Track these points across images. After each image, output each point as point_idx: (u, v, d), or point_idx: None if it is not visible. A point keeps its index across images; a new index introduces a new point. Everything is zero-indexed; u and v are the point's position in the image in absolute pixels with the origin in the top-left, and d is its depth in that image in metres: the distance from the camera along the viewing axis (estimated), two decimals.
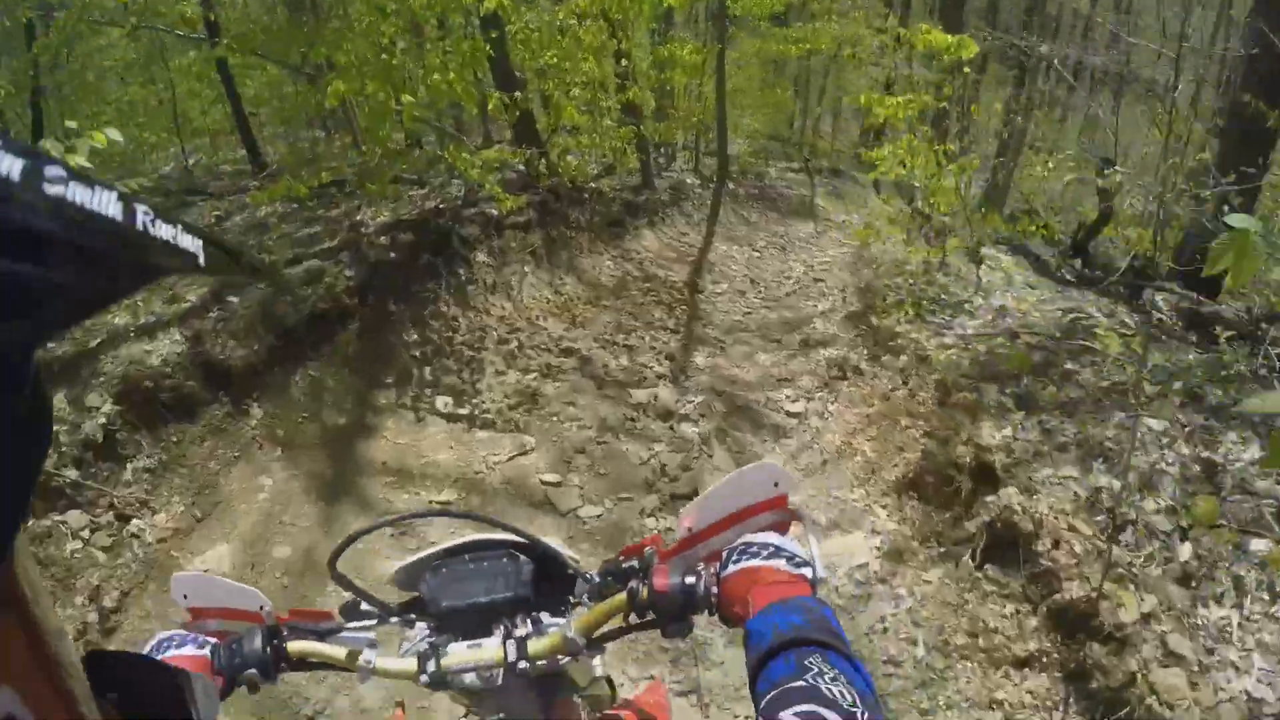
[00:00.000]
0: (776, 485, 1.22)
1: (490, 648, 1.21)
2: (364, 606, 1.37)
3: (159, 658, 1.15)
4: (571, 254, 9.30)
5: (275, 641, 1.24)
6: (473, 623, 1.28)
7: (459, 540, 1.35)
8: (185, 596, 1.32)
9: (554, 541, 1.35)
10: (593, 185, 10.67)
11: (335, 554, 1.25)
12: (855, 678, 0.86)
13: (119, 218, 0.35)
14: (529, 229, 8.61)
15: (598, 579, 1.29)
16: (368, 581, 1.55)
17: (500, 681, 1.21)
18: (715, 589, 1.13)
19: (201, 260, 0.41)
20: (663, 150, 15.03)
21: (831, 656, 0.89)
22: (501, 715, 1.29)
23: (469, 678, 1.20)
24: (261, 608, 1.29)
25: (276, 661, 1.23)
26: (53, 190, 0.31)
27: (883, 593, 4.32)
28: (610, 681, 1.47)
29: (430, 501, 5.12)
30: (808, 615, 0.97)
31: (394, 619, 1.35)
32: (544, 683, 1.32)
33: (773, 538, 1.16)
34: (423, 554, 1.35)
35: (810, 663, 0.87)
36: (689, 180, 13.70)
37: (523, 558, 1.32)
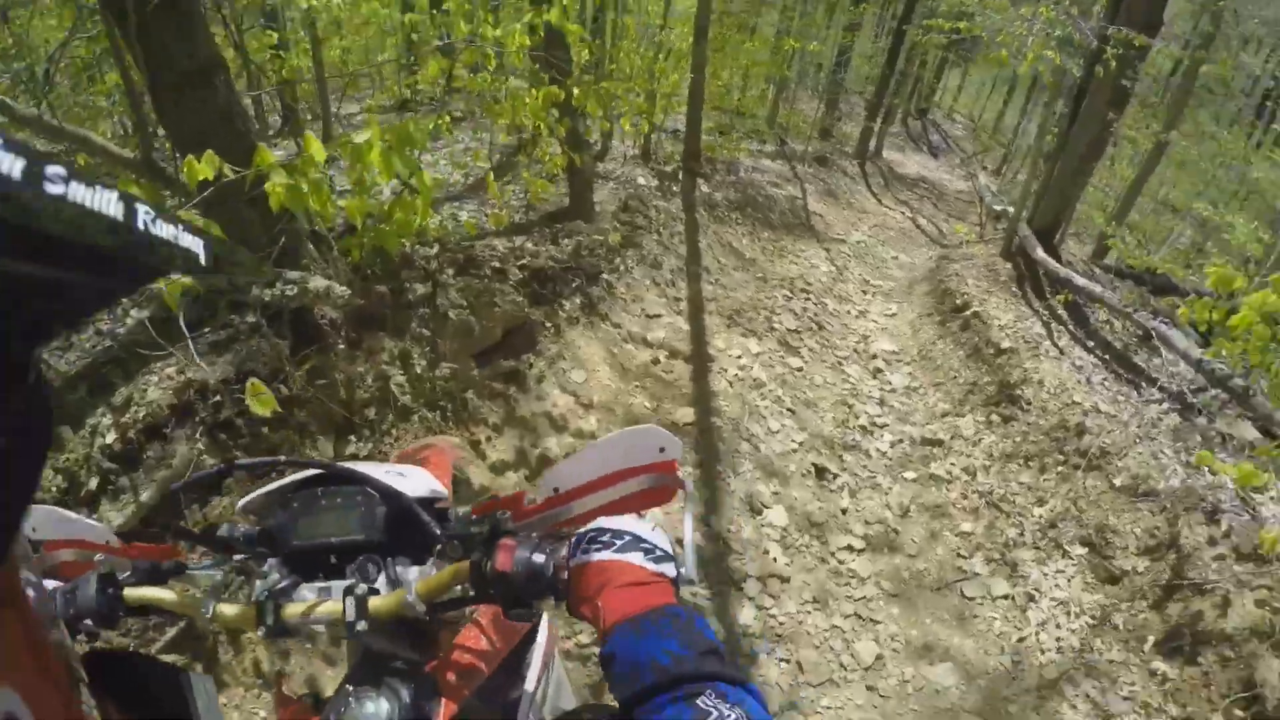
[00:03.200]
0: (663, 450, 1.08)
1: (329, 604, 1.09)
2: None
3: None
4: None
5: (110, 589, 1.14)
6: (323, 564, 1.20)
7: (311, 472, 1.26)
8: (34, 530, 1.26)
9: (415, 488, 1.28)
10: (470, 246, 5.24)
11: (182, 488, 0.79)
12: (753, 707, 0.78)
13: (119, 217, 0.35)
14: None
15: (447, 539, 1.13)
16: None
17: (348, 634, 1.07)
18: (564, 577, 1.00)
19: (203, 259, 0.42)
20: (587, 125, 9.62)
21: (725, 689, 0.80)
22: (366, 656, 1.22)
23: (316, 626, 1.10)
24: (107, 542, 1.25)
25: (114, 609, 1.14)
26: (53, 190, 0.31)
27: None
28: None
29: None
30: (683, 637, 0.86)
31: (239, 557, 1.22)
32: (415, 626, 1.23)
33: (631, 524, 1.03)
34: (274, 485, 1.27)
35: (705, 703, 0.77)
36: (640, 179, 8.23)
37: (377, 497, 1.20)
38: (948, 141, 26.38)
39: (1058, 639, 4.26)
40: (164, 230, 0.38)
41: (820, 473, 5.14)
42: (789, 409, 5.64)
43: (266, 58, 7.64)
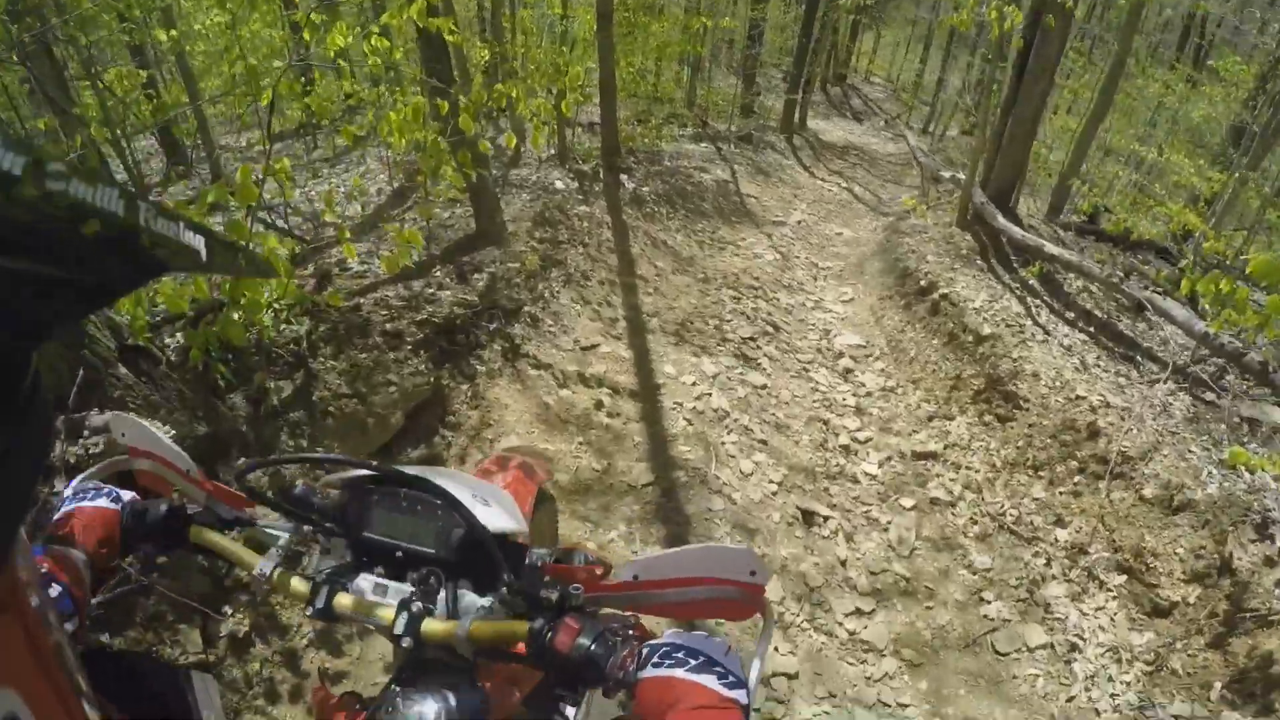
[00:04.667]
0: (753, 574, 1.05)
1: (383, 608, 1.10)
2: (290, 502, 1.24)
3: (73, 506, 1.17)
4: None
5: (178, 521, 1.20)
6: (388, 560, 1.20)
7: (407, 470, 1.21)
8: (123, 435, 1.30)
9: (496, 519, 1.26)
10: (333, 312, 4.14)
11: (242, 474, 1.21)
12: None
13: (121, 214, 0.35)
14: None
15: (514, 592, 1.10)
16: None
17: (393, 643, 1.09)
18: (625, 680, 0.97)
19: (204, 256, 0.42)
20: (498, 124, 8.76)
21: None
22: (415, 658, 1.15)
23: (366, 625, 1.11)
24: (187, 470, 1.26)
25: (176, 541, 1.20)
26: (55, 187, 0.31)
27: None
28: None
29: None
30: None
31: (308, 527, 1.24)
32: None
33: (707, 644, 0.98)
34: (362, 471, 1.24)
35: None
36: (558, 183, 7.38)
37: (458, 517, 1.15)
38: (869, 105, 26.16)
39: (1112, 695, 3.56)
40: (165, 227, 0.38)
41: (808, 518, 4.33)
42: (759, 440, 4.83)
43: (134, 97, 6.72)
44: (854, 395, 5.73)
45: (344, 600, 1.11)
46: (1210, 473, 4.29)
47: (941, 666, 3.65)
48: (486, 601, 1.14)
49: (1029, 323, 6.09)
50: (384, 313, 4.32)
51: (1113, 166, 13.14)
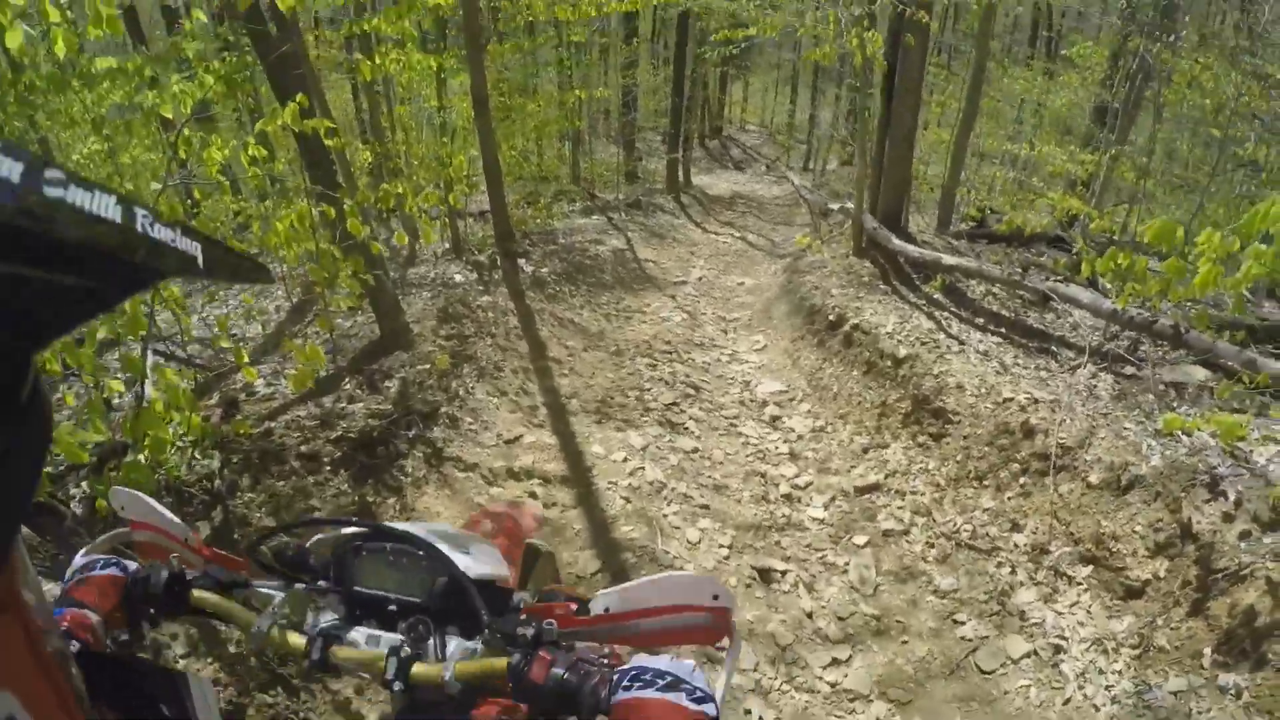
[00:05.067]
0: (716, 599, 1.13)
1: (375, 655, 1.16)
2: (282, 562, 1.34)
3: (81, 577, 1.22)
4: None
5: (178, 586, 1.24)
6: (379, 611, 1.27)
7: (391, 525, 1.32)
8: (123, 508, 1.36)
9: (479, 566, 1.36)
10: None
11: (253, 546, 1.31)
12: None
13: (118, 220, 0.35)
14: None
15: (492, 633, 1.18)
16: None
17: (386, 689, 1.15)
18: (600, 706, 1.02)
19: (201, 262, 0.42)
20: (389, 224, 8.67)
21: None
22: (412, 703, 1.26)
23: (360, 672, 1.17)
24: (185, 538, 1.32)
25: (177, 605, 1.24)
26: (53, 193, 0.31)
27: None
28: None
29: None
30: None
31: (302, 585, 1.30)
32: None
33: (674, 665, 1.02)
34: (351, 530, 1.34)
35: None
36: (457, 276, 7.32)
37: (440, 566, 1.26)
38: (748, 152, 26.76)
39: (1106, 687, 3.51)
40: (162, 233, 0.38)
41: (765, 576, 4.23)
42: (700, 505, 4.73)
43: None
44: (785, 442, 5.69)
45: (339, 652, 1.16)
46: (1150, 445, 4.32)
47: (931, 698, 3.55)
48: (473, 644, 1.20)
49: (942, 336, 6.16)
50: (297, 435, 4.13)
51: (990, 169, 13.65)
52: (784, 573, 4.28)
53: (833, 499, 4.99)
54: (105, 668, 0.89)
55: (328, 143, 4.22)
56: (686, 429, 5.73)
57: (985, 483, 4.78)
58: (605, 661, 1.09)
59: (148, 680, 0.92)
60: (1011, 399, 5.01)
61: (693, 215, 14.31)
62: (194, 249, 0.41)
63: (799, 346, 7.34)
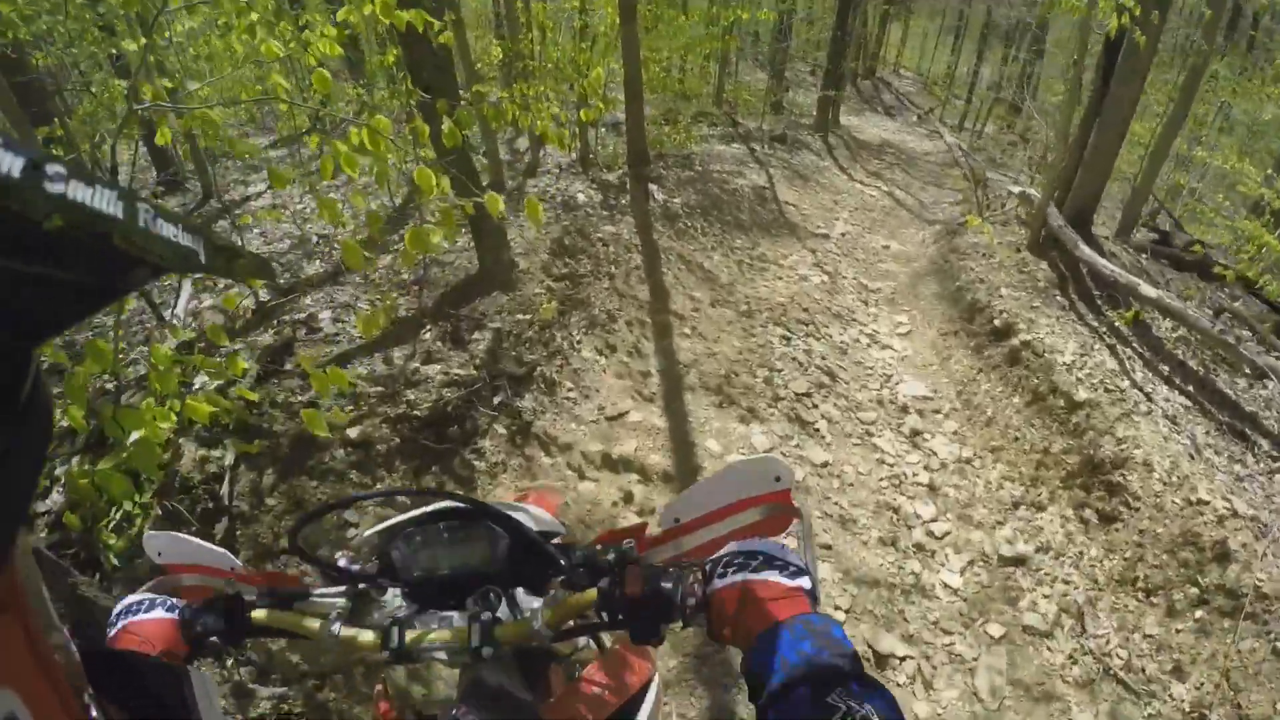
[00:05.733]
0: (778, 480, 1.08)
1: (456, 628, 1.11)
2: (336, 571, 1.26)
3: (126, 622, 1.16)
4: None
5: (239, 608, 1.18)
6: (445, 593, 1.21)
7: (434, 506, 1.26)
8: (159, 554, 1.28)
9: (533, 520, 1.32)
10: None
11: (294, 530, 1.16)
12: (883, 708, 0.73)
13: (119, 215, 0.34)
14: None
15: (572, 567, 1.12)
16: None
17: (470, 660, 1.11)
18: (700, 602, 1.00)
19: (203, 258, 0.42)
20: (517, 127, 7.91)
21: (855, 689, 0.76)
22: (478, 684, 1.16)
23: (439, 653, 1.11)
24: (232, 569, 1.25)
25: (240, 629, 1.18)
26: (54, 188, 0.31)
27: None
28: (599, 641, 1.51)
29: None
30: (817, 640, 0.85)
31: (363, 585, 1.23)
32: (526, 651, 1.24)
33: (763, 545, 1.02)
34: (395, 519, 1.26)
35: (833, 700, 0.74)
36: (580, 196, 6.51)
37: (499, 530, 1.20)
38: (900, 99, 25.14)
39: None
40: (164, 229, 0.37)
41: (881, 661, 3.43)
42: (823, 546, 3.94)
43: (120, 110, 5.93)
44: (925, 469, 4.82)
45: (414, 636, 1.09)
46: None
47: None
48: (547, 598, 1.14)
49: (1127, 385, 5.12)
50: (349, 409, 3.38)
51: (1175, 175, 12.12)
52: (904, 658, 3.49)
53: (971, 562, 4.14)
54: (107, 663, 0.85)
55: (441, 38, 3.39)
56: (818, 431, 4.90)
57: (1154, 599, 3.85)
58: (693, 567, 1.03)
59: (149, 675, 0.90)
60: (1207, 502, 4.02)
61: (839, 159, 13.21)
62: (196, 244, 0.40)
63: (950, 344, 6.36)
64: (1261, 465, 4.54)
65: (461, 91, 4.70)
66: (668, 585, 0.99)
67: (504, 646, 1.07)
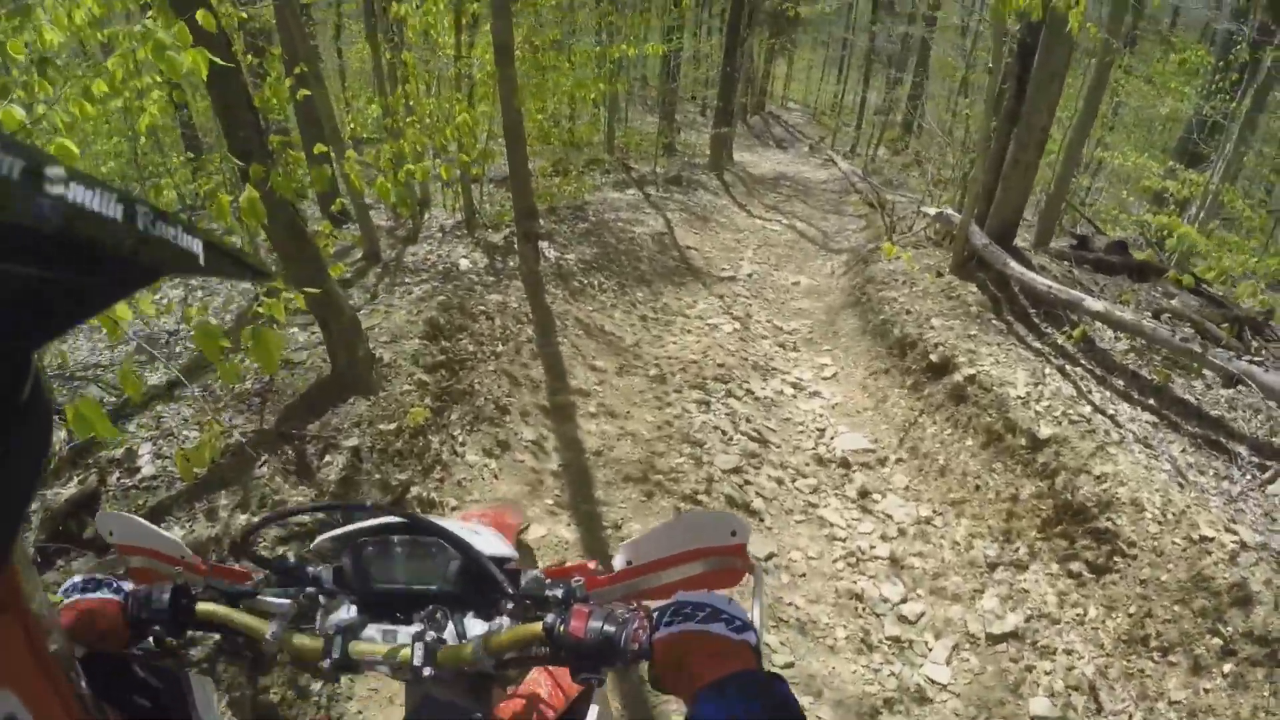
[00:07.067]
0: (734, 535, 1.07)
1: (399, 645, 1.08)
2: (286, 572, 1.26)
3: (74, 599, 1.12)
4: None
5: (184, 600, 1.16)
6: (394, 607, 1.19)
7: (390, 519, 1.23)
8: (111, 533, 1.28)
9: (487, 547, 1.23)
10: None
11: (248, 534, 1.20)
12: None
13: (119, 218, 0.34)
14: None
15: (520, 597, 1.12)
16: None
17: (411, 678, 1.09)
18: (643, 649, 0.97)
19: (202, 260, 0.41)
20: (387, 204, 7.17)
21: None
22: (428, 702, 1.18)
23: (381, 667, 1.09)
24: (183, 557, 1.24)
25: (183, 620, 1.16)
26: (53, 191, 0.31)
27: None
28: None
29: None
30: (767, 701, 0.82)
31: (310, 589, 1.20)
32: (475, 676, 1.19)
33: (710, 597, 0.99)
34: (351, 527, 1.25)
35: None
36: (463, 262, 5.86)
37: (452, 550, 1.17)
38: (790, 131, 25.31)
39: None
40: (163, 231, 0.37)
41: None
42: (782, 666, 3.24)
43: None
44: (882, 538, 4.19)
45: (359, 647, 1.08)
46: None
47: None
48: (493, 625, 1.10)
49: (1089, 409, 4.59)
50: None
51: (1079, 176, 12.05)
52: None
53: (956, 647, 3.50)
54: (106, 666, 0.87)
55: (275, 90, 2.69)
56: (755, 514, 4.22)
57: (1173, 658, 3.25)
58: (637, 611, 1.00)
59: (148, 678, 0.91)
60: (1211, 538, 3.46)
61: (736, 196, 12.92)
62: (195, 246, 0.39)
63: (881, 384, 5.82)
64: (1249, 478, 4.04)
65: (331, 152, 4.01)
66: (611, 629, 0.97)
67: (444, 669, 1.04)
